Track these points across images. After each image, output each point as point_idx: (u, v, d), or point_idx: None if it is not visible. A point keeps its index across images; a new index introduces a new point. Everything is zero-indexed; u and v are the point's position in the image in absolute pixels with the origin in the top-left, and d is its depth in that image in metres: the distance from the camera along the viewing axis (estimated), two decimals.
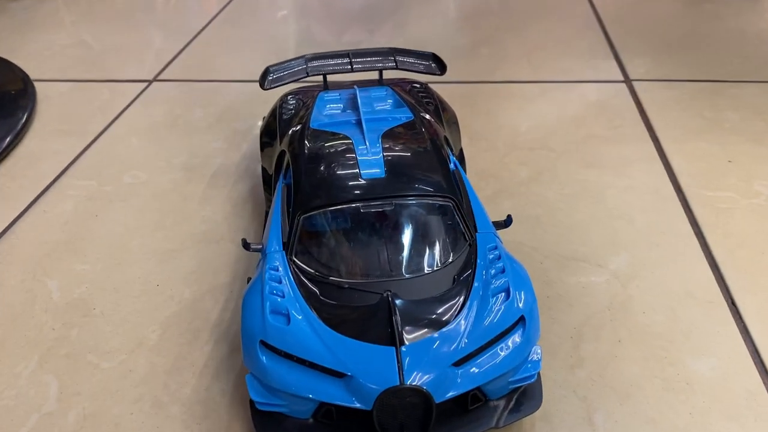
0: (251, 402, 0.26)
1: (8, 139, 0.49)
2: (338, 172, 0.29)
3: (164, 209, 0.41)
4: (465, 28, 0.68)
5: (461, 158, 0.39)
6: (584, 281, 0.35)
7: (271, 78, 0.37)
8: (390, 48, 0.39)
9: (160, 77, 0.59)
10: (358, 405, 0.24)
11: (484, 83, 0.56)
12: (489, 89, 0.55)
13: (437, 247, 0.28)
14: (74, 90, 0.58)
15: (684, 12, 0.70)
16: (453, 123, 0.38)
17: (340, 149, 0.31)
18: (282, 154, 0.33)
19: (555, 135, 0.48)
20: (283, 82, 0.36)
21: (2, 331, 0.33)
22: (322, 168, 0.30)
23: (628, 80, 0.56)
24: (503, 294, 0.26)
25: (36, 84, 0.58)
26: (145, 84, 0.58)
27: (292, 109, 0.36)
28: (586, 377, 0.30)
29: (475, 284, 0.27)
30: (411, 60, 0.38)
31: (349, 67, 0.37)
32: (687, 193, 0.41)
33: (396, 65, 0.38)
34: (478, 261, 0.28)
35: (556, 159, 0.45)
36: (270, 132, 0.37)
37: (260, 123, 0.44)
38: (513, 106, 0.52)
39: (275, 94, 0.48)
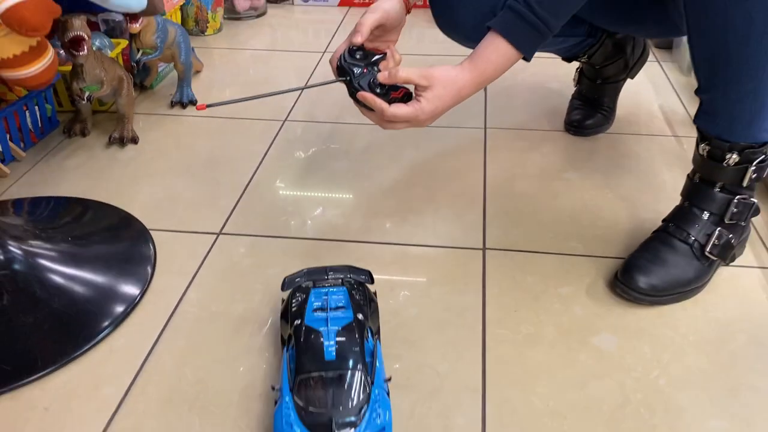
0: None
1: (141, 289, 0.92)
2: (313, 355, 0.67)
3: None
4: (392, 193, 1.11)
5: (378, 332, 0.79)
6: None
7: (286, 282, 0.80)
8: (347, 266, 0.81)
9: (224, 231, 1.03)
10: None
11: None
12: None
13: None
14: (172, 240, 1.01)
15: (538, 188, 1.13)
16: (375, 311, 0.81)
17: (317, 341, 0.69)
18: (290, 336, 0.76)
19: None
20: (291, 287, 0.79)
21: None
22: (307, 351, 0.68)
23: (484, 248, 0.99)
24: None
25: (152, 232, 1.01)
26: (214, 236, 1.02)
27: (294, 306, 0.79)
28: None
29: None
30: (360, 275, 0.81)
31: (326, 277, 0.80)
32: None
33: (351, 278, 0.80)
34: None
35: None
36: (284, 316, 0.77)
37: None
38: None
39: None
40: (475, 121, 1.33)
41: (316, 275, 0.80)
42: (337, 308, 0.73)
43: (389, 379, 0.70)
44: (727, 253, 0.88)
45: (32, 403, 0.74)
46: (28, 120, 1.23)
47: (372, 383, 0.66)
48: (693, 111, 1.34)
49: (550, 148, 1.23)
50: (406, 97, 0.81)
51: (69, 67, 1.19)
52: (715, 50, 0.77)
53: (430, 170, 1.17)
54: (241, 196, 1.10)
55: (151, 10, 0.83)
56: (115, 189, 1.12)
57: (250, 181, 1.14)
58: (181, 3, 1.70)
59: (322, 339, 0.68)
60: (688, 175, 0.91)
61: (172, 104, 1.40)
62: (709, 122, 0.85)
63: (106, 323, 0.83)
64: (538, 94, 1.43)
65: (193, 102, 1.40)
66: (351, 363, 0.66)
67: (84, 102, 1.22)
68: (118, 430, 0.72)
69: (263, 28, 1.88)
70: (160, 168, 1.19)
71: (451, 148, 1.24)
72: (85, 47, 1.08)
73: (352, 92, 0.80)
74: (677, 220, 0.89)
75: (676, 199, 0.92)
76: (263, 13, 1.95)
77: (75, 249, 0.94)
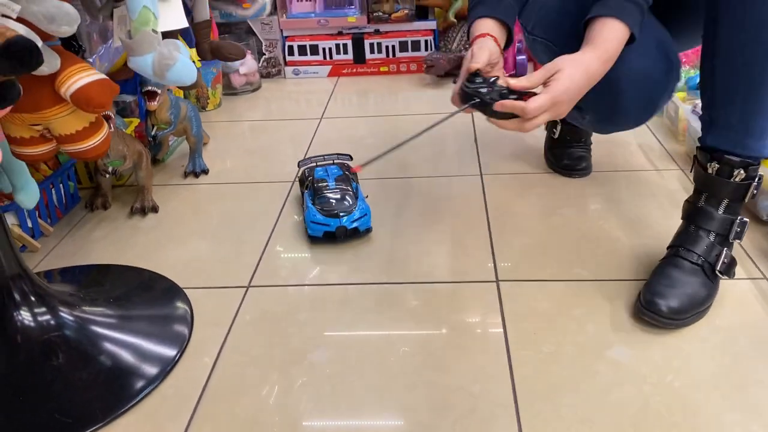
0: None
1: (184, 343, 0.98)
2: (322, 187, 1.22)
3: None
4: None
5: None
6: None
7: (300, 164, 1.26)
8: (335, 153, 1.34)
9: (252, 284, 1.09)
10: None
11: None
12: None
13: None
14: (204, 296, 1.07)
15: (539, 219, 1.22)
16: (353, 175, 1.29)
17: (323, 182, 1.22)
18: (306, 185, 1.24)
19: None
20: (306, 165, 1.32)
21: None
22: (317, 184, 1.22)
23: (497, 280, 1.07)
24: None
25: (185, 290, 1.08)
26: (244, 290, 1.08)
27: (307, 173, 1.26)
28: None
29: None
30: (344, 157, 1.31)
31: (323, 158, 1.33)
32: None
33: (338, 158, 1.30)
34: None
35: None
36: (301, 181, 1.29)
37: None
38: None
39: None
40: (471, 170, 1.43)
41: (317, 159, 1.34)
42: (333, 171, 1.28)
43: (367, 196, 1.25)
44: (732, 270, 0.95)
45: None
46: (54, 197, 1.30)
47: (356, 197, 1.20)
48: (669, 147, 1.47)
49: (544, 189, 1.33)
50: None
51: None
52: (740, 63, 0.87)
53: (437, 216, 1.26)
54: (264, 250, 1.18)
55: (194, 84, 0.93)
56: (142, 254, 1.19)
57: (270, 237, 1.22)
58: None
59: (327, 181, 1.23)
60: (687, 200, 0.98)
61: (186, 174, 1.48)
62: (721, 138, 0.92)
63: (156, 373, 0.89)
64: (524, 142, 1.54)
65: (205, 171, 1.48)
66: (344, 186, 1.21)
67: (107, 176, 1.30)
68: None
69: (259, 101, 2.00)
70: (182, 232, 1.26)
71: (453, 194, 1.34)
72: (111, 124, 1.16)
73: (488, 107, 0.87)
74: (686, 244, 0.95)
75: (665, 225, 1.02)
76: (258, 88, 2.07)
77: (117, 309, 1.00)
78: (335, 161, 1.32)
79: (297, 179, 1.40)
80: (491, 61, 0.95)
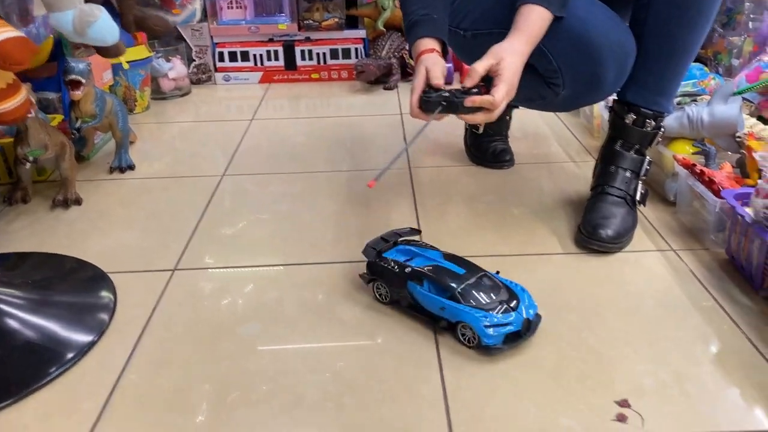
0: None
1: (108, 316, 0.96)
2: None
3: None
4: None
5: None
6: None
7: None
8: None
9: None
10: None
11: None
12: None
13: None
14: (130, 279, 1.05)
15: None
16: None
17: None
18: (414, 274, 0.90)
19: None
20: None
21: None
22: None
23: None
24: None
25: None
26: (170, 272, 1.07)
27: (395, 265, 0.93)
28: None
29: None
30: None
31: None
32: None
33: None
34: None
35: None
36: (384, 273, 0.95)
37: None
38: None
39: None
40: (400, 163, 1.46)
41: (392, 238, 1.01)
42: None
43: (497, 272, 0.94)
44: (646, 200, 1.14)
45: (10, 425, 0.76)
46: None
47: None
48: (585, 142, 1.55)
49: (469, 179, 1.38)
50: (488, 85, 0.95)
51: (9, 140, 1.24)
52: (664, 35, 1.06)
53: (366, 202, 1.28)
54: (191, 237, 1.17)
55: (115, 51, 0.92)
56: (65, 243, 1.16)
57: (197, 225, 1.21)
58: (110, 83, 1.79)
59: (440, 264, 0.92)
60: (603, 146, 1.16)
61: (111, 170, 1.46)
62: (639, 95, 1.10)
63: (75, 352, 0.86)
64: (445, 139, 1.59)
65: (131, 167, 1.46)
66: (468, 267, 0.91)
67: (28, 166, 1.26)
68: None
69: (189, 105, 1.99)
70: (107, 223, 1.24)
71: (382, 184, 1.36)
72: (32, 111, 1.14)
73: (458, 106, 0.95)
74: (608, 181, 1.13)
75: (582, 206, 1.07)
76: (188, 93, 2.06)
77: (36, 293, 0.97)
78: (409, 240, 1.00)
79: (367, 272, 0.98)
80: (443, 75, 1.03)
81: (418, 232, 1.04)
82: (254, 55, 2.12)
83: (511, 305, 0.85)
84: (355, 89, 2.07)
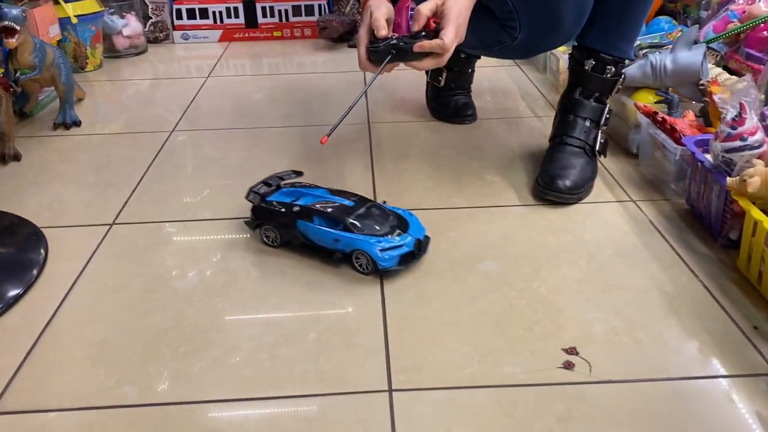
0: None
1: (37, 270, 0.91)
2: None
3: None
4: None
5: None
6: None
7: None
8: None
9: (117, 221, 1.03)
10: None
11: None
12: None
13: None
14: (63, 233, 1.00)
15: None
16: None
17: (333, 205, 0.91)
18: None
19: None
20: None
21: None
22: None
23: None
24: None
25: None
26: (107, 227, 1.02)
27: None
28: None
29: None
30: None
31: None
32: None
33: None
34: None
35: None
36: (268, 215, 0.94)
37: None
38: None
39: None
40: (360, 119, 1.41)
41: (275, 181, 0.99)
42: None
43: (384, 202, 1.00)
44: (606, 150, 1.10)
45: None
46: None
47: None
48: (550, 98, 1.51)
49: (428, 134, 1.33)
50: (436, 28, 0.90)
51: None
52: None
53: (321, 157, 1.23)
54: (132, 192, 1.11)
55: None
56: None
57: (140, 182, 1.15)
58: (58, 38, 1.70)
59: (331, 201, 0.92)
60: (562, 95, 1.12)
61: (55, 126, 1.39)
62: (598, 40, 1.05)
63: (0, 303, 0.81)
64: (404, 94, 1.54)
65: (77, 123, 1.39)
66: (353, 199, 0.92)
67: None
68: (17, 391, 0.70)
69: (144, 64, 1.91)
70: (46, 179, 1.17)
71: (340, 139, 1.31)
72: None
73: (408, 53, 0.89)
74: (567, 131, 1.08)
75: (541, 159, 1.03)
76: (144, 51, 1.98)
77: None
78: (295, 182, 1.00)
79: (251, 216, 0.96)
80: (390, 16, 0.96)
81: (300, 173, 1.01)
82: (213, 12, 2.04)
83: (402, 229, 0.88)
84: (318, 47, 2.00)
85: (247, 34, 2.07)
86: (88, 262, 0.92)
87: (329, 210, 0.88)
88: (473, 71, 1.41)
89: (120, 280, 0.88)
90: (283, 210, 0.90)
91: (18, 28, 1.20)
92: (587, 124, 1.08)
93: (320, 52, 1.96)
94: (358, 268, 0.87)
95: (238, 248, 0.95)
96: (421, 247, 0.88)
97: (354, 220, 0.86)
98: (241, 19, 2.05)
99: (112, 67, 1.86)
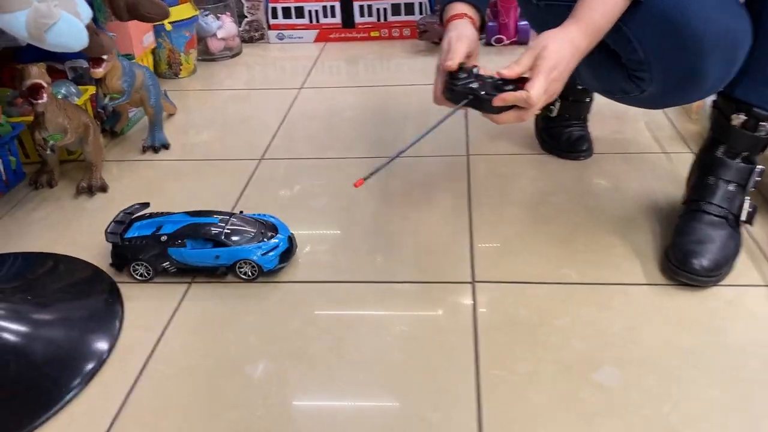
0: None
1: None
2: None
3: None
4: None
5: None
6: None
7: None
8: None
9: None
10: None
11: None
12: None
13: None
14: (141, 290, 0.95)
15: None
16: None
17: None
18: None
19: None
20: None
21: None
22: None
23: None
24: None
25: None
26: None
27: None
28: None
29: None
30: None
31: None
32: None
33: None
34: None
35: None
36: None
37: None
38: None
39: None
40: (457, 149, 1.28)
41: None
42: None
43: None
44: (755, 218, 0.93)
45: None
46: None
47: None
48: (680, 126, 1.31)
49: (536, 173, 1.19)
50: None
51: (32, 117, 1.14)
52: None
53: (414, 201, 1.12)
54: None
55: (98, 49, 0.78)
56: (81, 241, 1.06)
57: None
58: (153, 47, 1.67)
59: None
60: (701, 149, 0.95)
61: (144, 149, 1.35)
62: (752, 91, 0.87)
63: (70, 387, 0.76)
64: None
65: (165, 146, 1.35)
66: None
67: (48, 152, 1.16)
68: None
69: (239, 68, 1.85)
70: None
71: (434, 177, 1.19)
72: (44, 95, 1.03)
73: (485, 103, 0.78)
74: (706, 196, 0.91)
75: (672, 218, 0.88)
76: (238, 53, 1.92)
77: (33, 309, 0.87)
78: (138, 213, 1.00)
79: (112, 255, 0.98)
80: (470, 51, 0.86)
81: (147, 204, 1.00)
82: (310, 11, 1.94)
83: (273, 231, 0.94)
84: (418, 49, 1.87)
85: (343, 35, 1.96)
86: (163, 333, 0.86)
87: (202, 231, 0.91)
88: (591, 100, 1.24)
89: (193, 360, 0.81)
90: (150, 242, 0.91)
91: (104, 57, 1.14)
92: (731, 188, 0.91)
93: (419, 56, 1.83)
94: (243, 276, 0.92)
95: (364, 294, 0.86)
96: (293, 242, 0.95)
97: (227, 234, 0.90)
98: (338, 18, 1.94)
99: (206, 73, 1.81)
